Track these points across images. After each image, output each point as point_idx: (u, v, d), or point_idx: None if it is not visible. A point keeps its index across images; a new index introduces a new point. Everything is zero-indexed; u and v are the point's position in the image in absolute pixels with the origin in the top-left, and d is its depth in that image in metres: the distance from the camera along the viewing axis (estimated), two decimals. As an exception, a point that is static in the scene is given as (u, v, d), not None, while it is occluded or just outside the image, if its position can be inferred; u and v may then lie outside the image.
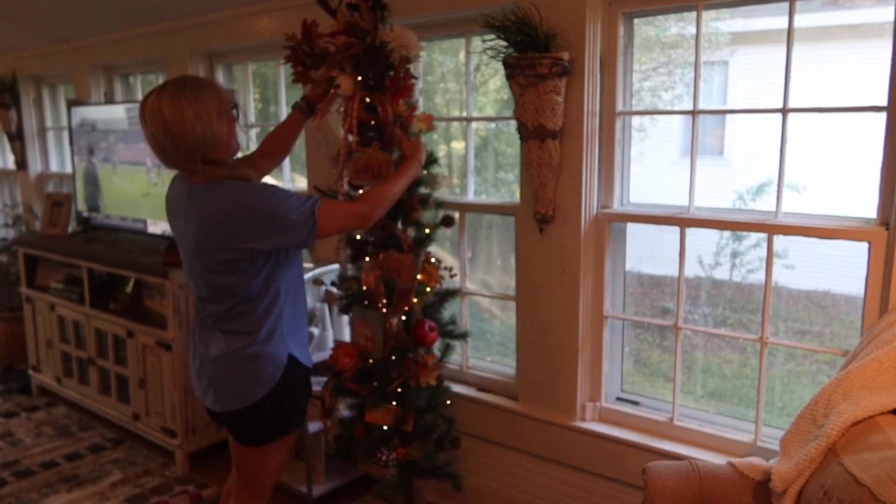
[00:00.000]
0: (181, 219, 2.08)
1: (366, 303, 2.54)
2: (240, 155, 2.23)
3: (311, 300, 3.20)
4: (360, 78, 2.39)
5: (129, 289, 3.99)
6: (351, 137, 2.45)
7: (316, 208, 1.99)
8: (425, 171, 2.53)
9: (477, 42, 2.88)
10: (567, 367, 2.71)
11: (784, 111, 2.23)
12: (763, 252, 2.38)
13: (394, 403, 2.55)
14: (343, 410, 2.81)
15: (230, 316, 2.10)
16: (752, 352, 3.05)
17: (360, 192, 2.44)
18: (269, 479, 2.31)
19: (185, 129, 1.89)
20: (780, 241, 2.33)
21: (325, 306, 3.17)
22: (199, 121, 1.90)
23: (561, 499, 2.79)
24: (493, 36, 2.49)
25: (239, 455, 2.28)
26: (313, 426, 3.12)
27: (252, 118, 4.02)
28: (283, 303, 2.13)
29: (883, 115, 2.08)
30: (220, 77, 4.04)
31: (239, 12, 3.59)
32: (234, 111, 2.02)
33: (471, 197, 3.07)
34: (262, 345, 2.10)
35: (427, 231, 2.55)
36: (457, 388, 3.03)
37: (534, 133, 2.51)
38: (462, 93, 3.21)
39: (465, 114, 3.05)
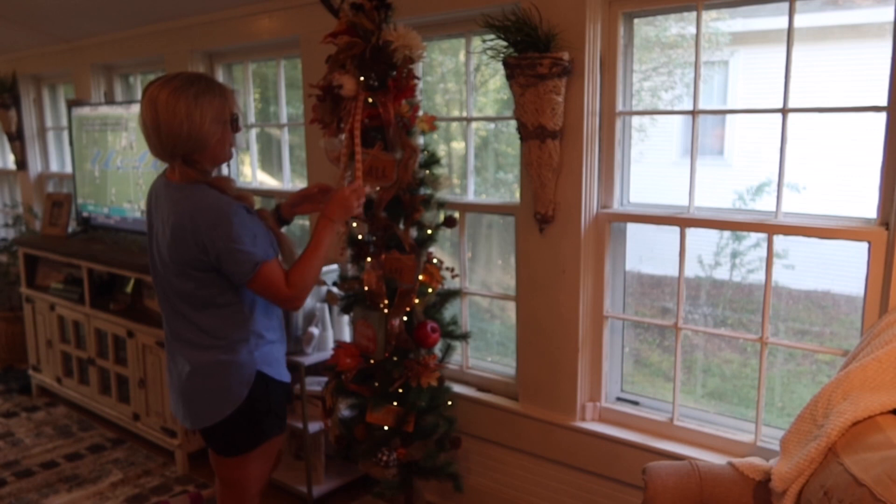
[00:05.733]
0: (157, 218, 2.06)
1: (367, 303, 2.54)
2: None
3: (312, 300, 3.20)
4: (362, 78, 2.39)
5: (129, 289, 3.99)
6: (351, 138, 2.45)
7: (262, 264, 1.96)
8: (427, 171, 2.53)
9: (477, 42, 2.88)
10: (567, 367, 2.71)
11: (784, 111, 2.23)
12: (763, 252, 2.38)
13: (395, 404, 2.55)
14: (344, 410, 2.81)
15: (195, 326, 2.06)
16: (752, 352, 3.05)
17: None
18: (253, 487, 2.25)
19: (172, 125, 1.89)
20: (780, 241, 2.34)
21: (326, 306, 3.17)
22: (188, 121, 1.89)
23: (561, 499, 2.79)
24: (493, 36, 2.49)
25: (218, 465, 2.23)
26: (313, 426, 3.12)
27: (252, 118, 4.02)
28: (251, 316, 2.08)
29: (883, 115, 2.08)
30: (220, 77, 4.04)
31: (239, 12, 3.59)
32: (234, 123, 2.02)
33: (471, 197, 3.07)
34: (227, 359, 2.06)
35: (429, 232, 2.55)
36: (457, 388, 3.03)
37: (534, 133, 2.51)
38: (462, 93, 3.21)
39: (465, 114, 3.05)
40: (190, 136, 1.91)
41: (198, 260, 1.96)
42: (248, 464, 2.18)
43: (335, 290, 2.76)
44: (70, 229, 4.65)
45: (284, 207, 2.32)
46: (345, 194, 2.16)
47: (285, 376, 2.21)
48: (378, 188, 2.45)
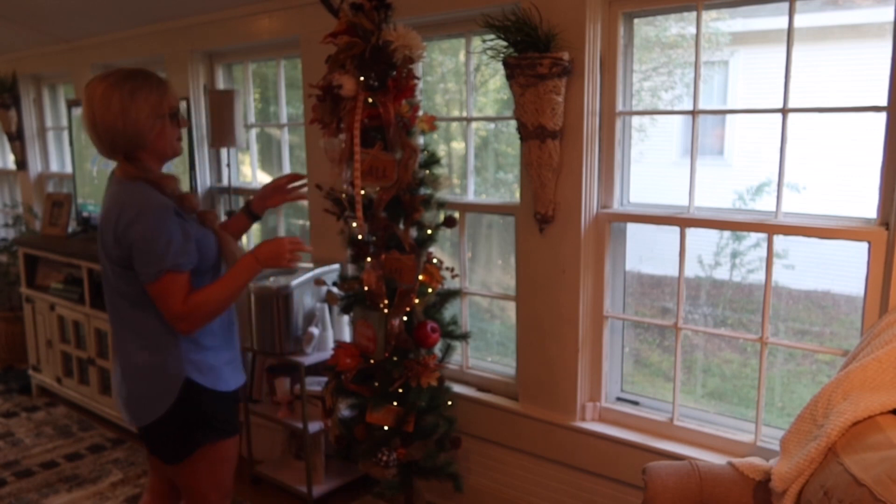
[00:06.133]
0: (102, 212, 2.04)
1: (367, 303, 2.54)
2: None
3: (312, 300, 3.20)
4: (362, 78, 2.39)
5: (129, 289, 3.98)
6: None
7: (166, 272, 1.89)
8: (427, 171, 2.53)
9: (477, 42, 2.88)
10: (567, 367, 2.71)
11: (784, 111, 2.23)
12: (763, 252, 2.38)
13: (395, 404, 2.55)
14: (344, 410, 2.81)
15: (129, 325, 2.04)
16: (752, 352, 3.05)
17: (363, 192, 2.44)
18: (212, 495, 2.14)
19: (107, 120, 1.86)
20: (780, 241, 2.34)
21: (326, 306, 3.17)
22: (123, 116, 1.86)
23: (561, 499, 2.79)
24: (493, 36, 2.49)
25: (168, 471, 2.15)
26: (313, 426, 3.12)
27: (252, 118, 4.02)
28: None
29: (883, 115, 2.08)
30: (220, 77, 4.04)
31: (239, 12, 3.59)
32: (175, 118, 1.97)
33: (471, 197, 3.07)
34: (154, 362, 2.00)
35: (429, 232, 2.55)
36: (457, 388, 3.03)
37: (534, 133, 2.51)
38: (462, 93, 3.21)
39: (465, 114, 3.05)
40: (126, 131, 1.87)
41: (119, 255, 1.93)
42: (193, 471, 2.09)
43: (335, 290, 2.76)
44: (70, 229, 4.65)
45: (255, 201, 2.32)
46: (282, 242, 2.05)
47: (225, 384, 2.09)
48: (378, 188, 2.45)
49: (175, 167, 3.78)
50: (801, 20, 2.19)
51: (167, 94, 1.94)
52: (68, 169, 5.09)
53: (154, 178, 1.94)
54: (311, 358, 3.08)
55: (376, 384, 2.58)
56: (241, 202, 4.06)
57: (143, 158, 1.94)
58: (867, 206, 2.16)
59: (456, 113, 3.53)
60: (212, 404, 2.06)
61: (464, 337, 2.75)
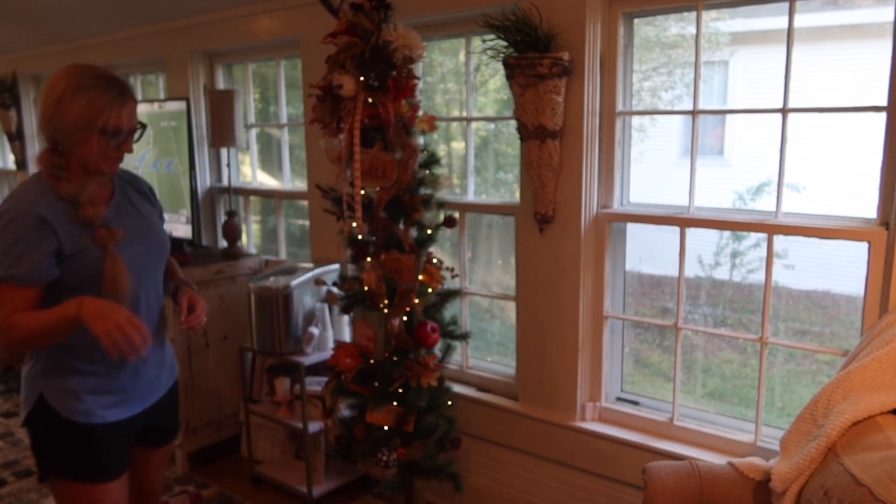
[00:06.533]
0: None
1: (367, 303, 2.54)
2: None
3: (312, 300, 3.20)
4: (362, 78, 2.39)
5: (129, 289, 3.98)
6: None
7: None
8: (427, 171, 2.53)
9: (477, 42, 2.88)
10: (567, 367, 2.71)
11: (784, 111, 2.23)
12: (763, 252, 2.38)
13: (395, 404, 2.55)
14: (344, 410, 2.81)
15: None
16: (752, 352, 3.05)
17: (363, 192, 2.44)
18: None
19: (44, 101, 1.77)
20: (780, 241, 2.34)
21: (326, 306, 3.17)
22: (56, 106, 1.74)
23: (561, 499, 2.79)
24: (493, 36, 2.49)
25: None
26: (313, 426, 3.12)
27: (252, 118, 4.02)
28: None
29: (883, 115, 2.08)
30: (220, 77, 4.04)
31: (239, 12, 3.59)
32: (107, 136, 1.75)
33: (471, 197, 3.07)
34: (28, 361, 1.90)
35: (429, 232, 2.55)
36: (457, 388, 3.03)
37: (534, 133, 2.51)
38: (462, 93, 3.21)
39: (465, 114, 3.05)
40: (51, 121, 1.75)
41: None
42: (58, 497, 1.91)
43: (335, 290, 2.76)
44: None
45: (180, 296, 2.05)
46: (118, 315, 1.65)
47: (84, 416, 1.81)
48: (378, 188, 2.46)
49: (175, 167, 3.78)
50: (801, 20, 2.19)
51: (114, 109, 1.74)
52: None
53: (53, 178, 1.77)
54: (311, 358, 3.08)
55: (376, 384, 2.57)
56: (241, 202, 4.06)
57: (64, 157, 1.78)
58: (867, 206, 2.16)
59: (456, 113, 3.53)
60: (63, 434, 1.82)
61: (464, 337, 2.75)
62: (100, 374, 1.85)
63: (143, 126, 1.88)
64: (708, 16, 2.46)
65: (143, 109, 3.90)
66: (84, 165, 1.79)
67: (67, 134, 1.75)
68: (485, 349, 3.44)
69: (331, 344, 3.13)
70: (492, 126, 3.45)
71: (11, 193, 1.82)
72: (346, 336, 3.25)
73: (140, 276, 1.89)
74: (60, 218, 1.74)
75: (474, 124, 3.06)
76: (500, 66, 2.52)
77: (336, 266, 3.26)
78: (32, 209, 1.72)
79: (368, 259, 2.53)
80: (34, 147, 5.38)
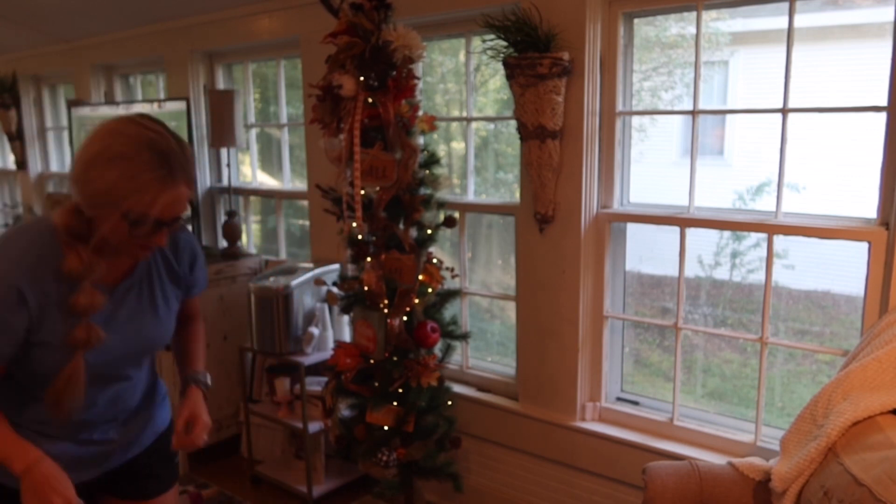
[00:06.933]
0: None
1: (367, 303, 2.54)
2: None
3: (312, 300, 3.20)
4: (362, 78, 2.39)
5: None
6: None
7: None
8: (427, 171, 2.53)
9: (477, 42, 2.88)
10: (567, 367, 2.71)
11: (784, 111, 2.23)
12: (763, 252, 2.38)
13: (395, 404, 2.55)
14: (344, 410, 2.81)
15: None
16: (752, 352, 3.05)
17: (363, 192, 2.44)
18: None
19: (79, 154, 1.42)
20: (780, 241, 2.34)
21: (326, 306, 3.17)
22: (85, 166, 1.40)
23: (561, 499, 2.79)
24: (493, 36, 2.49)
25: None
26: (313, 426, 3.12)
27: (252, 118, 4.02)
28: None
29: (883, 115, 2.08)
30: (220, 77, 4.04)
31: (239, 12, 3.59)
32: (135, 224, 1.40)
33: (471, 197, 3.07)
34: None
35: (429, 232, 2.55)
36: (457, 388, 3.03)
37: (534, 133, 2.51)
38: (462, 93, 3.21)
39: (465, 114, 3.05)
40: (77, 181, 1.42)
41: None
42: None
43: (335, 290, 2.76)
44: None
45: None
46: (52, 496, 1.42)
47: (12, 480, 1.47)
48: (378, 188, 2.46)
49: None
50: (801, 20, 2.19)
51: (149, 194, 1.38)
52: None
53: (65, 243, 1.45)
54: (311, 358, 3.08)
55: (376, 384, 2.57)
56: (241, 202, 4.06)
57: (89, 226, 1.45)
58: (867, 206, 2.16)
59: (456, 113, 3.53)
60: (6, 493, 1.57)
61: (464, 337, 2.75)
62: (41, 435, 1.56)
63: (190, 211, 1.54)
64: (708, 16, 2.46)
65: (143, 109, 3.90)
66: (99, 241, 1.45)
67: (87, 205, 1.42)
68: (485, 349, 3.44)
69: (331, 344, 3.13)
70: (492, 126, 3.45)
71: (6, 237, 1.51)
72: (346, 336, 3.25)
73: (118, 367, 1.61)
74: (44, 301, 1.44)
75: (474, 124, 3.06)
76: (500, 66, 2.52)
77: (336, 266, 3.25)
78: (16, 280, 1.42)
79: (368, 259, 2.53)
80: (34, 147, 5.38)
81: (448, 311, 2.69)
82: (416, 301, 2.52)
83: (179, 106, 3.73)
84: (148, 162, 1.38)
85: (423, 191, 2.53)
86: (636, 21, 2.55)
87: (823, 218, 2.24)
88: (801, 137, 2.36)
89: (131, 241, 1.44)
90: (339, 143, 2.47)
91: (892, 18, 2.05)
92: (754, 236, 3.15)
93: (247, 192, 4.05)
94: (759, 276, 2.60)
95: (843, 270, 2.74)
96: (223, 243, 3.95)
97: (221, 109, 3.66)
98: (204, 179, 4.09)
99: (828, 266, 2.94)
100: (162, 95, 4.44)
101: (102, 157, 1.38)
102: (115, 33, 4.34)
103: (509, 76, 2.49)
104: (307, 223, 3.82)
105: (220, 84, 4.05)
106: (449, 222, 2.58)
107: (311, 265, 3.33)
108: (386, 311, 2.49)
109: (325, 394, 2.70)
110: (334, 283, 2.77)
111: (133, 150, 1.38)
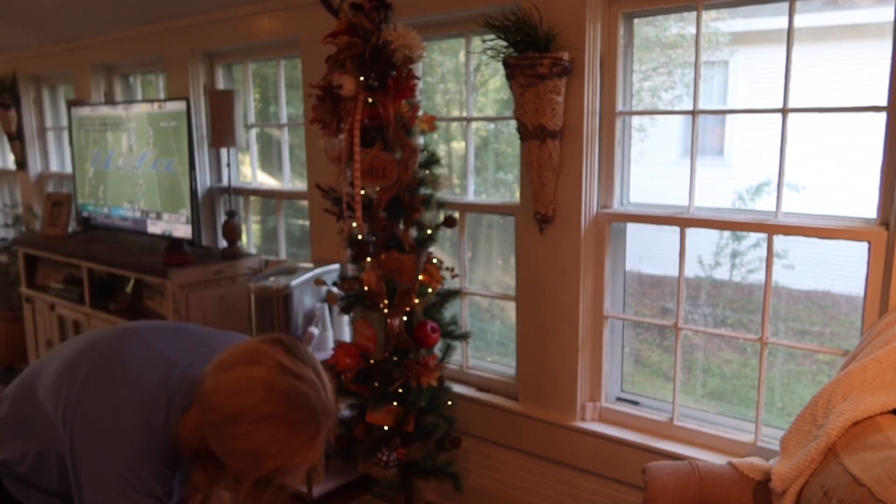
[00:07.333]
0: None
1: (367, 303, 2.54)
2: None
3: (312, 300, 3.20)
4: (362, 78, 2.39)
5: (129, 289, 3.99)
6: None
7: None
8: (427, 171, 2.53)
9: (477, 42, 2.88)
10: (567, 367, 2.71)
11: (784, 111, 2.23)
12: (763, 252, 2.38)
13: (395, 404, 2.55)
14: (344, 410, 2.81)
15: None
16: (752, 352, 3.05)
17: (363, 192, 2.45)
18: None
19: (220, 401, 1.27)
20: (780, 241, 2.34)
21: (326, 306, 3.17)
22: (223, 420, 1.26)
23: (561, 499, 2.79)
24: (493, 36, 2.49)
25: None
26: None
27: (252, 118, 4.02)
28: None
29: (883, 115, 2.08)
30: (220, 77, 4.04)
31: (239, 12, 3.59)
32: (262, 481, 1.36)
33: (471, 197, 3.07)
34: None
35: (429, 232, 2.55)
36: (457, 388, 3.03)
37: (534, 133, 2.51)
38: (462, 93, 3.21)
39: (465, 114, 3.05)
40: (214, 424, 1.27)
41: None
42: None
43: (335, 290, 2.76)
44: (70, 229, 4.65)
45: None
46: None
47: None
48: (378, 188, 2.46)
49: (175, 167, 3.78)
50: (801, 20, 2.19)
51: (293, 456, 1.30)
52: (68, 169, 5.09)
53: (180, 450, 1.36)
54: (311, 358, 3.08)
55: (376, 384, 2.58)
56: (241, 202, 4.06)
57: (211, 455, 1.32)
58: (867, 206, 2.16)
59: (456, 113, 3.53)
60: None
61: (464, 337, 2.75)
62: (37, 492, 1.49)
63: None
64: (708, 16, 2.46)
65: (143, 109, 3.90)
66: (210, 480, 1.39)
67: (225, 454, 1.30)
68: (485, 349, 3.44)
69: (331, 344, 3.13)
70: (492, 126, 3.45)
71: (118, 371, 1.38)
72: (346, 336, 3.25)
73: None
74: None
75: (474, 124, 3.06)
76: (500, 66, 2.52)
77: (336, 266, 3.25)
78: (147, 441, 1.33)
79: (368, 259, 2.53)
80: (34, 147, 5.38)
81: (448, 311, 2.69)
82: (416, 301, 2.52)
83: (179, 106, 3.73)
84: (301, 423, 1.26)
85: (423, 191, 2.53)
86: (636, 21, 2.55)
87: (823, 218, 2.24)
88: (801, 137, 2.36)
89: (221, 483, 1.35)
90: (339, 143, 2.47)
91: (892, 18, 2.05)
92: (754, 236, 3.15)
93: (247, 192, 4.05)
94: (759, 276, 2.60)
95: (843, 270, 2.74)
96: (223, 243, 3.95)
97: (221, 109, 3.66)
98: (204, 179, 4.09)
99: (828, 266, 2.94)
100: (162, 95, 4.44)
101: (252, 415, 1.24)
102: (115, 33, 4.34)
103: (509, 76, 2.49)
104: (307, 223, 3.82)
105: (220, 84, 4.05)
106: (449, 222, 2.58)
107: (311, 265, 3.33)
108: (386, 311, 2.49)
109: (325, 394, 2.70)
110: (334, 283, 2.77)
111: (286, 410, 1.25)
